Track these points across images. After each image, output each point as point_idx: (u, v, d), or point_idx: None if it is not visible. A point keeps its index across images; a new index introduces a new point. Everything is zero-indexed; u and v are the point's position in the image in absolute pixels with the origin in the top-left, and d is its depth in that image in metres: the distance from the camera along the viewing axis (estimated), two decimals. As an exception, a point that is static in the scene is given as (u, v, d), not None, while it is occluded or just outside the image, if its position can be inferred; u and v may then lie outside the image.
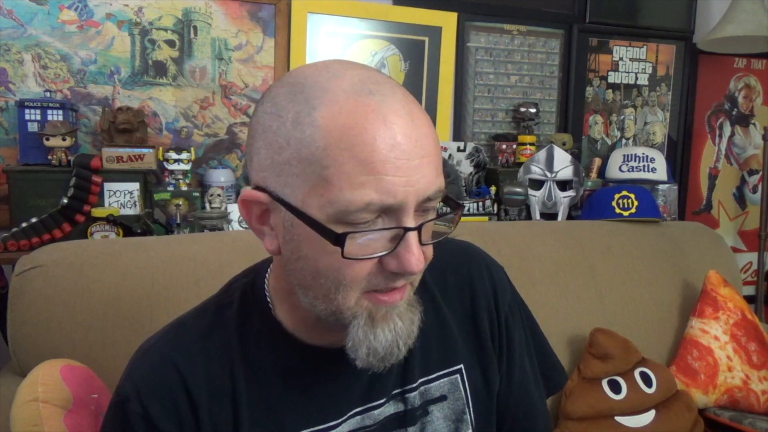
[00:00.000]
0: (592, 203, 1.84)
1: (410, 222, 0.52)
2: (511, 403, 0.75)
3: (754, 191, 2.41)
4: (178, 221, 1.55)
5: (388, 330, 0.55)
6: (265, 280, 0.65)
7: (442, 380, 0.69)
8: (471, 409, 0.70)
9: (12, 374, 1.10)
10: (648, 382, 1.37)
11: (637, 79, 2.21)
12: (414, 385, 0.67)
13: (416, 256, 0.52)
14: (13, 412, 0.83)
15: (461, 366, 0.70)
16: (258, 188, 0.56)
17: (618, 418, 1.33)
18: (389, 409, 0.66)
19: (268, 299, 0.64)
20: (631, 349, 1.41)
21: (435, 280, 0.71)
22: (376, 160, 0.49)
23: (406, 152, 0.50)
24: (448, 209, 0.60)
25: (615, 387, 1.34)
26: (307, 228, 0.52)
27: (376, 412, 0.65)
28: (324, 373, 0.63)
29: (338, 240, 0.50)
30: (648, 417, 1.35)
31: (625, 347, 1.39)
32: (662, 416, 1.35)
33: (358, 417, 0.64)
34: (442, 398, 0.69)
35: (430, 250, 0.57)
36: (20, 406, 0.83)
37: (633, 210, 1.72)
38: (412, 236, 0.52)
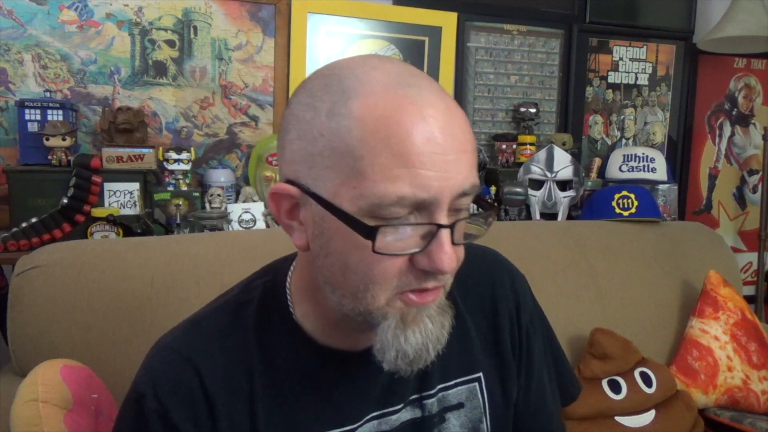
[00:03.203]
0: (592, 203, 1.84)
1: (443, 219, 0.50)
2: (528, 414, 0.74)
3: (754, 191, 2.41)
4: (178, 221, 1.55)
5: (419, 332, 0.54)
6: (288, 279, 0.64)
7: (460, 387, 0.68)
8: (488, 418, 0.69)
9: (12, 374, 1.10)
10: (648, 382, 1.37)
11: (637, 79, 2.21)
12: (432, 391, 0.66)
13: (448, 255, 0.50)
14: (13, 412, 0.83)
15: (480, 374, 0.69)
16: (289, 182, 0.54)
17: (618, 418, 1.33)
18: (406, 414, 0.65)
19: (289, 298, 0.63)
20: (631, 349, 1.41)
21: (457, 286, 0.69)
22: (411, 153, 0.48)
23: (442, 146, 0.49)
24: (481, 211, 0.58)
25: (615, 387, 1.34)
26: (337, 222, 0.50)
27: (393, 417, 0.64)
28: (342, 377, 0.62)
29: (370, 233, 0.49)
30: (648, 417, 1.35)
31: (625, 347, 1.39)
32: (662, 416, 1.35)
33: (375, 422, 0.63)
34: (460, 405, 0.68)
35: (461, 251, 0.56)
36: (20, 406, 0.83)
37: (633, 210, 1.72)
38: (445, 234, 0.50)
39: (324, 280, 0.56)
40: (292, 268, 0.65)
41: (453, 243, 0.51)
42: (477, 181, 0.53)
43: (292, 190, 0.54)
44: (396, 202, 0.48)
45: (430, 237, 0.51)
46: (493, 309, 0.72)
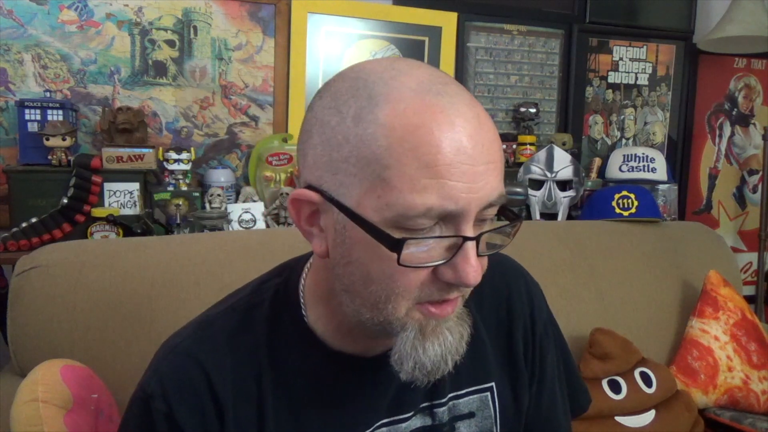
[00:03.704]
0: (592, 203, 1.84)
1: (469, 231, 0.49)
2: (539, 424, 0.74)
3: (754, 191, 2.40)
4: (178, 221, 1.55)
5: (438, 344, 0.53)
6: (301, 281, 0.63)
7: (471, 397, 0.67)
8: (498, 428, 0.69)
9: (12, 374, 1.10)
10: (648, 382, 1.37)
11: (637, 79, 2.21)
12: (443, 400, 0.65)
13: (474, 268, 0.49)
14: (13, 412, 0.83)
15: (492, 384, 0.69)
16: (310, 187, 0.53)
17: (618, 418, 1.33)
18: (416, 422, 0.64)
19: (302, 301, 0.62)
20: (631, 349, 1.41)
21: (472, 292, 0.69)
22: (440, 163, 0.46)
23: (471, 157, 0.48)
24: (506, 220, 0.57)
25: (615, 387, 1.34)
26: (360, 231, 0.49)
27: (403, 425, 0.63)
28: (353, 383, 0.61)
29: (396, 246, 0.47)
30: (648, 417, 1.35)
31: (625, 347, 1.39)
32: (662, 416, 1.35)
33: (385, 429, 0.63)
34: (470, 415, 0.67)
35: (485, 262, 0.54)
36: (20, 406, 0.83)
37: (633, 210, 1.72)
38: (471, 246, 0.49)
39: (343, 288, 0.54)
40: (306, 269, 0.64)
41: (478, 255, 0.50)
42: (504, 191, 0.52)
43: (314, 196, 0.52)
44: (423, 214, 0.47)
45: (455, 249, 0.49)
46: (507, 317, 0.71)
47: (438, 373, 0.54)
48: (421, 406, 0.65)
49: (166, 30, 1.68)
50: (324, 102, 0.53)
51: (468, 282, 0.50)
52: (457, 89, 0.51)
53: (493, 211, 0.52)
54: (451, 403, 0.66)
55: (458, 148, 0.47)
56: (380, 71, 0.51)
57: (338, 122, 0.50)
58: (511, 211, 0.56)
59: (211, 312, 0.65)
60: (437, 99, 0.48)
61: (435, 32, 1.92)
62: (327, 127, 0.51)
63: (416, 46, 1.91)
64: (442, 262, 0.50)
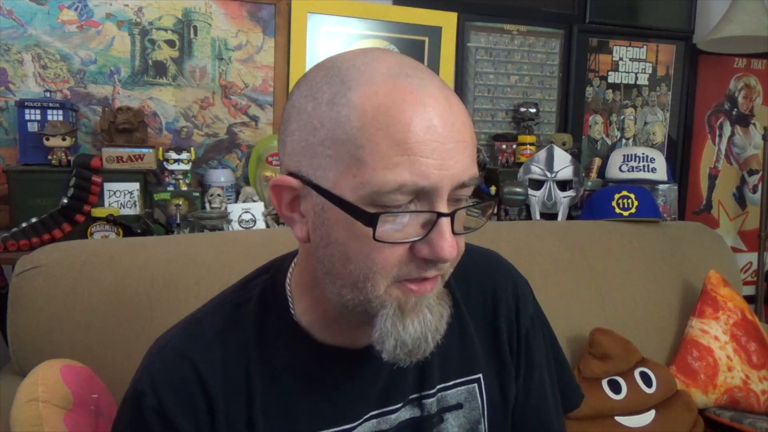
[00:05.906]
0: (592, 203, 1.84)
1: (443, 208, 0.51)
2: (528, 419, 0.74)
3: (754, 191, 2.41)
4: (178, 221, 1.55)
5: (418, 322, 0.54)
6: (288, 275, 0.64)
7: (459, 388, 0.68)
8: (486, 420, 0.69)
9: (12, 374, 1.10)
10: (648, 382, 1.37)
11: (637, 79, 2.21)
12: (432, 391, 0.66)
13: (449, 242, 0.51)
14: (13, 412, 0.83)
15: (480, 375, 0.69)
16: (290, 174, 0.54)
17: (618, 418, 1.33)
18: (405, 413, 0.65)
19: (289, 296, 0.63)
20: (631, 349, 1.41)
21: (459, 286, 0.70)
22: (411, 141, 0.48)
23: (441, 135, 0.49)
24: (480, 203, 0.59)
25: (615, 387, 1.34)
26: (338, 211, 0.51)
27: (392, 416, 0.64)
28: (341, 375, 0.62)
29: (371, 221, 0.49)
30: (648, 417, 1.35)
31: (625, 347, 1.39)
32: (662, 416, 1.35)
33: (374, 420, 0.63)
34: (458, 406, 0.68)
35: (462, 242, 0.56)
36: (20, 406, 0.83)
37: (633, 210, 1.72)
38: (445, 222, 0.51)
39: (324, 271, 0.56)
40: (293, 265, 0.65)
41: (453, 232, 0.52)
42: (476, 172, 0.53)
43: (293, 181, 0.54)
44: (396, 190, 0.49)
45: (430, 225, 0.51)
46: (493, 311, 0.72)
47: (419, 352, 0.55)
48: (410, 397, 0.65)
49: (166, 30, 1.68)
50: (301, 91, 0.55)
51: (444, 257, 0.51)
52: (427, 73, 0.53)
53: (467, 191, 0.54)
54: (439, 394, 0.67)
55: (428, 127, 0.49)
56: (353, 59, 0.53)
57: (314, 108, 0.52)
58: (486, 193, 0.58)
59: (199, 311, 0.66)
60: (407, 81, 0.50)
61: (435, 32, 1.92)
62: (303, 113, 0.53)
63: (416, 46, 1.91)
64: (418, 238, 0.51)
